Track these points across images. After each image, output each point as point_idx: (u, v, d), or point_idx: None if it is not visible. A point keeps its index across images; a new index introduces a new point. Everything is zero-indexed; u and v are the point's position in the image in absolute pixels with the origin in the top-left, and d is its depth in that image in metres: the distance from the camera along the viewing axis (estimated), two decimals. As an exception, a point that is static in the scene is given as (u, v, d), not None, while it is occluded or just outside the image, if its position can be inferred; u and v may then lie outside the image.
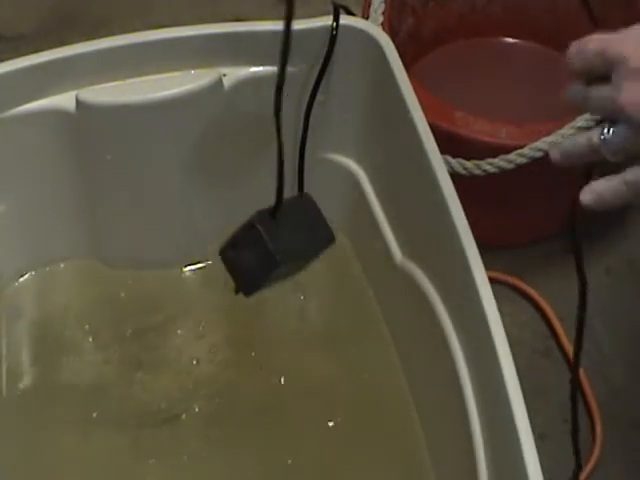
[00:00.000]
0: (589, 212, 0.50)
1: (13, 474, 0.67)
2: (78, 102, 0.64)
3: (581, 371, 0.77)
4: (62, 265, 0.76)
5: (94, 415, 0.70)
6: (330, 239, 0.65)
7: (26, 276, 0.76)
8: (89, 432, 0.69)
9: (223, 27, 0.64)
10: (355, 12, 0.66)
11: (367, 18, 0.75)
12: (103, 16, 1.01)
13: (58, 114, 0.64)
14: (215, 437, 0.69)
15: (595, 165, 0.52)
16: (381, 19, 0.75)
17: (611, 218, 0.87)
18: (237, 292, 0.61)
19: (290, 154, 0.70)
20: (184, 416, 0.70)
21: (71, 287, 0.76)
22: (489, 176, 0.72)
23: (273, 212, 0.59)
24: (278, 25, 0.64)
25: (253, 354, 0.73)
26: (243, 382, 0.72)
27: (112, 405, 0.70)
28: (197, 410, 0.70)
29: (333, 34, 0.64)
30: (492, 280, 0.55)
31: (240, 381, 0.72)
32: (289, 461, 0.68)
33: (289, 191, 0.73)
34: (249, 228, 0.59)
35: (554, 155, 0.50)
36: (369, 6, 0.76)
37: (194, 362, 0.73)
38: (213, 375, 0.72)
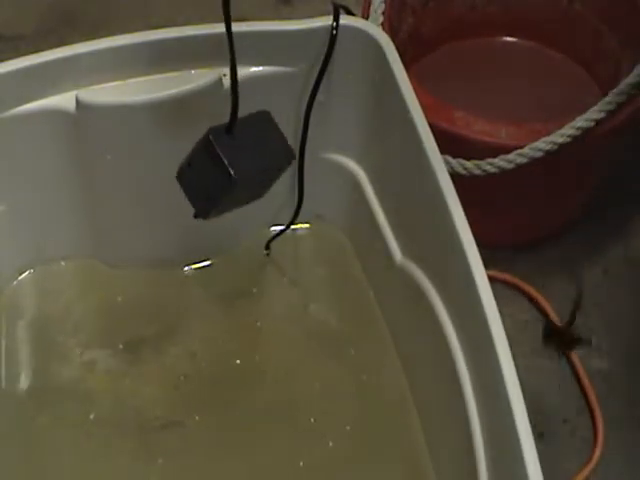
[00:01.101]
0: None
1: (14, 474, 0.67)
2: (78, 102, 0.64)
3: (581, 370, 0.77)
4: (62, 264, 0.76)
5: (91, 417, 0.70)
6: (290, 157, 0.61)
7: (26, 274, 0.76)
8: (90, 433, 0.69)
9: (223, 27, 0.64)
10: (355, 12, 0.66)
11: (367, 18, 0.75)
12: (103, 16, 1.01)
13: (58, 114, 0.64)
14: (221, 440, 0.69)
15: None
16: (381, 19, 0.75)
17: (609, 218, 0.87)
18: (196, 216, 0.58)
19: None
20: (187, 422, 0.70)
21: (70, 287, 0.76)
22: (489, 176, 0.72)
23: (229, 128, 0.56)
24: (278, 25, 0.65)
25: (257, 357, 0.73)
26: (245, 386, 0.72)
27: (107, 410, 0.70)
28: (197, 418, 0.70)
29: (333, 34, 0.64)
30: (492, 279, 0.55)
31: (243, 385, 0.72)
32: (301, 463, 0.68)
33: (290, 193, 0.74)
34: (204, 145, 0.56)
35: None
36: (369, 6, 0.76)
37: (182, 377, 0.72)
38: (209, 385, 0.72)
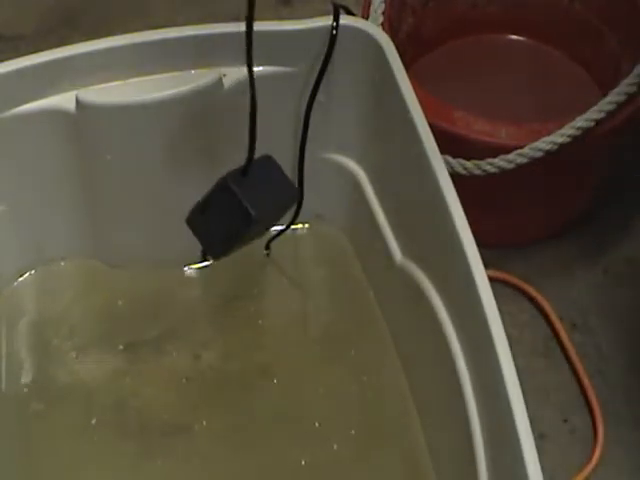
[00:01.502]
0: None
1: (14, 475, 0.67)
2: (78, 102, 0.64)
3: (581, 370, 0.77)
4: (62, 265, 0.76)
5: (92, 419, 0.69)
6: (295, 196, 0.66)
7: (26, 275, 0.76)
8: (91, 435, 0.69)
9: (223, 27, 0.64)
10: (355, 12, 0.66)
11: (367, 18, 0.75)
12: (103, 16, 1.01)
13: (58, 114, 0.64)
14: (223, 442, 0.69)
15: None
16: (381, 19, 0.75)
17: (609, 218, 0.87)
18: (205, 257, 0.61)
19: (290, 154, 0.70)
20: (189, 425, 0.69)
21: (70, 288, 0.76)
22: (489, 176, 0.72)
23: (244, 171, 0.59)
24: (278, 25, 0.65)
25: (258, 358, 0.73)
26: (248, 388, 0.72)
27: (108, 412, 0.70)
28: (199, 420, 0.70)
29: (333, 34, 0.64)
30: (492, 279, 0.55)
31: (245, 387, 0.72)
32: (303, 462, 0.68)
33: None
34: (221, 189, 0.59)
35: None
36: (369, 6, 0.76)
37: (184, 380, 0.72)
38: (211, 387, 0.72)
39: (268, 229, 0.65)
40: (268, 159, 0.63)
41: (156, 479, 0.67)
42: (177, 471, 0.68)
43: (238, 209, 0.58)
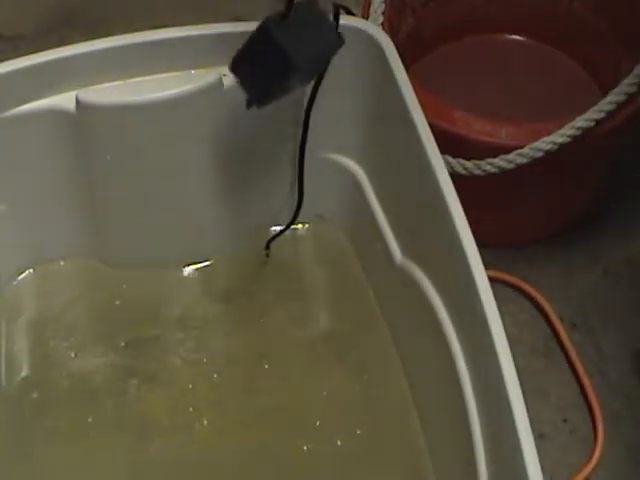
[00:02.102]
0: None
1: (12, 475, 0.67)
2: (78, 102, 0.64)
3: (581, 370, 0.77)
4: (61, 264, 0.76)
5: (90, 419, 0.69)
6: (339, 43, 0.61)
7: (25, 274, 0.76)
8: (90, 435, 0.69)
9: (223, 27, 0.64)
10: (355, 12, 0.66)
11: (367, 18, 0.75)
12: (103, 16, 1.01)
13: (58, 114, 0.64)
14: (225, 436, 0.69)
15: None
16: (381, 19, 0.75)
17: (609, 218, 0.87)
18: (249, 106, 0.58)
19: (290, 154, 0.70)
20: (189, 424, 0.70)
21: (70, 288, 0.76)
22: (489, 176, 0.72)
23: (284, 14, 0.56)
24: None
25: (258, 358, 0.73)
26: (249, 388, 0.72)
27: (107, 412, 0.70)
28: (205, 422, 0.70)
29: (333, 34, 0.64)
30: (492, 279, 0.55)
31: (246, 388, 0.72)
32: (305, 448, 0.68)
33: (290, 194, 0.74)
34: (261, 33, 0.56)
35: None
36: (369, 6, 0.76)
37: (184, 379, 0.72)
38: (210, 388, 0.72)
39: (310, 79, 0.61)
40: (311, 2, 0.59)
41: (156, 476, 0.68)
42: (177, 467, 0.68)
43: (280, 55, 0.55)
